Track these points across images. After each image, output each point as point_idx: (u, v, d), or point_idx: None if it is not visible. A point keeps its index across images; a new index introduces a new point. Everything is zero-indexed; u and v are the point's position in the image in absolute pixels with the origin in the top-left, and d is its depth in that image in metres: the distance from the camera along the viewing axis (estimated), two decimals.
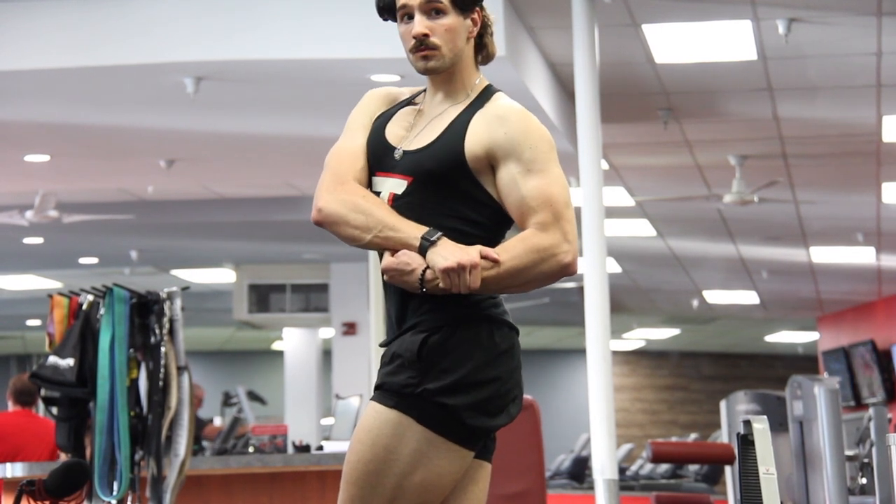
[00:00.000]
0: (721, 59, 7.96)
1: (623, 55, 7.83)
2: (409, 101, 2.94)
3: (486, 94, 2.86)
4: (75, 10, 7.00)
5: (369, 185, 2.84)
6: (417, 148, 2.81)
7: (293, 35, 6.96)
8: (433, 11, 2.81)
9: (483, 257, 2.69)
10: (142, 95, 7.83)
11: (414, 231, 2.72)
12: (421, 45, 2.81)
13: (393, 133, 2.87)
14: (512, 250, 2.72)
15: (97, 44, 7.03)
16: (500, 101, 2.84)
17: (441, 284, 2.68)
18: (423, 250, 2.70)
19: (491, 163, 2.77)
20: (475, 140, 2.77)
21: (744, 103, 8.91)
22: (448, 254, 2.68)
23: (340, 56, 6.99)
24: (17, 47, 7.08)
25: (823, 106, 8.92)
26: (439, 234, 2.71)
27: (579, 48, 6.70)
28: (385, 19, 2.91)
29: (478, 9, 2.87)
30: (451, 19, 2.82)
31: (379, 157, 2.85)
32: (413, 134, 2.85)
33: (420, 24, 2.81)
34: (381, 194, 2.81)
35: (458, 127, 2.80)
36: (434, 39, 2.81)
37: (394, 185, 2.81)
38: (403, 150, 2.82)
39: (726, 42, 7.67)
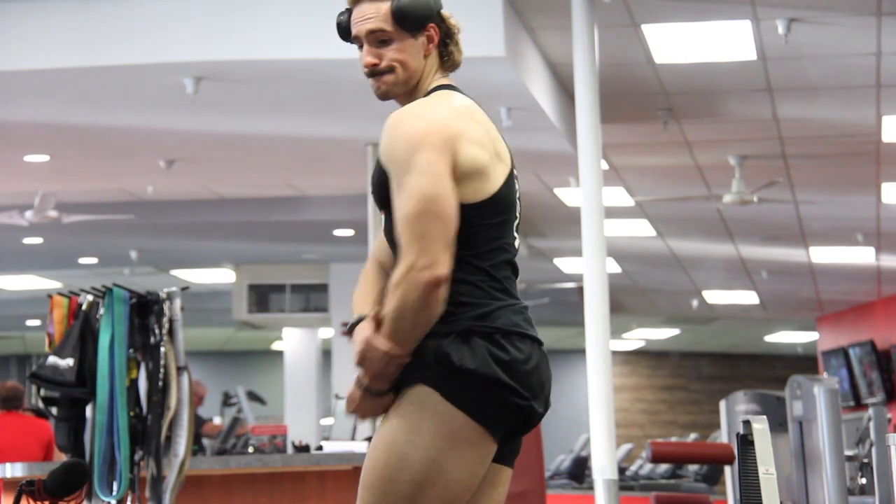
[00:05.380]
0: (721, 59, 7.96)
1: (623, 55, 7.82)
2: None
3: None
4: (75, 10, 7.00)
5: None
6: None
7: (293, 35, 6.95)
8: (378, 41, 2.78)
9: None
10: (142, 95, 7.82)
11: (356, 314, 2.76)
12: (373, 74, 2.79)
13: None
14: (389, 300, 2.62)
15: (97, 44, 7.03)
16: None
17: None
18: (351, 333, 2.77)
19: None
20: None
21: (743, 103, 8.90)
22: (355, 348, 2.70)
23: (340, 56, 6.96)
24: (17, 47, 7.08)
25: (823, 106, 8.91)
26: (358, 319, 2.71)
27: (579, 48, 6.69)
28: (351, 42, 2.87)
29: (432, 25, 2.80)
30: (399, 44, 2.77)
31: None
32: None
33: (368, 53, 2.79)
34: None
35: None
36: (384, 67, 2.78)
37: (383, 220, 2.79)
38: None
39: (726, 42, 7.66)
